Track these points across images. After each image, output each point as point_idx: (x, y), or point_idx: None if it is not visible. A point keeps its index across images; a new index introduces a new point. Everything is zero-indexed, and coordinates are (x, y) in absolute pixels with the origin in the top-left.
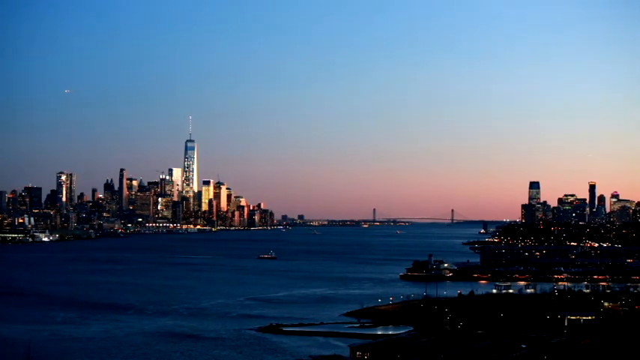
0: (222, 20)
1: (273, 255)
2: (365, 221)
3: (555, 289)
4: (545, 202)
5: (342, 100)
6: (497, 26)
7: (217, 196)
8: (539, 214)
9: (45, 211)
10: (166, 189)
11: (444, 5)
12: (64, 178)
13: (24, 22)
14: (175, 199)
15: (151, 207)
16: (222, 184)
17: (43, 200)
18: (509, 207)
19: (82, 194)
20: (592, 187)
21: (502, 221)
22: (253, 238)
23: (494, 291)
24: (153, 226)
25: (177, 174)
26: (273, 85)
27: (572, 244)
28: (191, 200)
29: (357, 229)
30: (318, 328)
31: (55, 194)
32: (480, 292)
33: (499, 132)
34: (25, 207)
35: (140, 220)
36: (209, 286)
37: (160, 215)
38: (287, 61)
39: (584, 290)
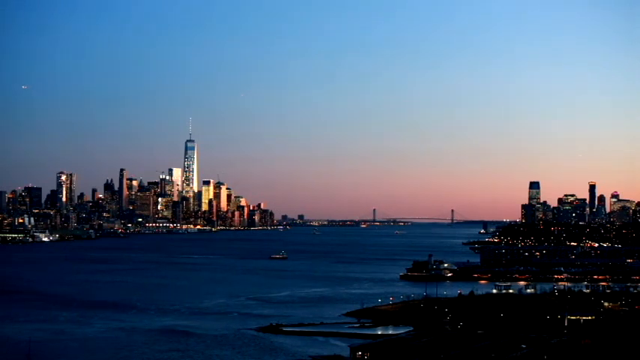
0: (223, 20)
1: (285, 255)
2: (365, 221)
3: (555, 289)
4: (545, 202)
5: (342, 100)
6: (498, 27)
7: (217, 196)
8: (539, 214)
9: (45, 211)
10: (166, 189)
11: (445, 8)
12: (64, 178)
13: (26, 21)
14: (175, 199)
15: (151, 207)
16: (222, 184)
17: (43, 200)
18: (509, 207)
19: (82, 194)
20: (592, 187)
21: (502, 221)
22: (253, 238)
23: (495, 291)
24: (153, 226)
25: (177, 174)
26: (273, 85)
27: (572, 244)
28: (191, 200)
29: (358, 230)
30: (318, 328)
31: (55, 194)
32: (480, 292)
33: (499, 132)
34: (25, 207)
35: (140, 220)
36: (209, 285)
37: (160, 215)
38: (287, 62)
39: (584, 290)
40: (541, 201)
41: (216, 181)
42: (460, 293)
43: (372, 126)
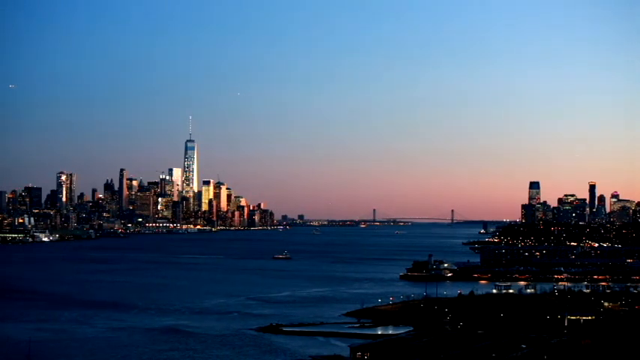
0: (223, 20)
1: (288, 255)
2: (364, 221)
3: (555, 289)
4: (545, 202)
5: (342, 101)
6: (498, 27)
7: (217, 196)
8: (539, 214)
9: (45, 211)
10: (166, 189)
11: (445, 8)
12: (64, 178)
13: (26, 21)
14: (175, 199)
15: (151, 207)
16: (222, 184)
17: (43, 200)
18: (509, 207)
19: (82, 194)
20: (592, 187)
21: (502, 221)
22: (253, 238)
23: (494, 291)
24: (153, 226)
25: (177, 174)
26: (273, 85)
27: (572, 244)
28: (191, 200)
29: (357, 230)
30: (318, 328)
31: (55, 194)
32: (480, 292)
33: (499, 132)
34: (25, 207)
35: (140, 220)
36: (209, 285)
37: (160, 215)
38: (287, 62)
39: (584, 290)
40: (541, 201)
41: (216, 181)
42: (460, 293)
43: (372, 126)
